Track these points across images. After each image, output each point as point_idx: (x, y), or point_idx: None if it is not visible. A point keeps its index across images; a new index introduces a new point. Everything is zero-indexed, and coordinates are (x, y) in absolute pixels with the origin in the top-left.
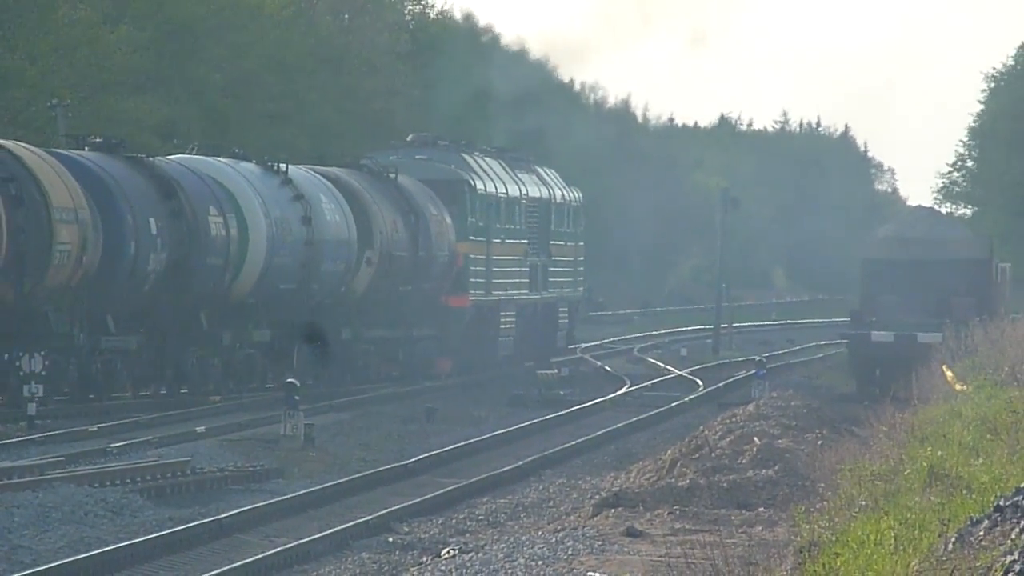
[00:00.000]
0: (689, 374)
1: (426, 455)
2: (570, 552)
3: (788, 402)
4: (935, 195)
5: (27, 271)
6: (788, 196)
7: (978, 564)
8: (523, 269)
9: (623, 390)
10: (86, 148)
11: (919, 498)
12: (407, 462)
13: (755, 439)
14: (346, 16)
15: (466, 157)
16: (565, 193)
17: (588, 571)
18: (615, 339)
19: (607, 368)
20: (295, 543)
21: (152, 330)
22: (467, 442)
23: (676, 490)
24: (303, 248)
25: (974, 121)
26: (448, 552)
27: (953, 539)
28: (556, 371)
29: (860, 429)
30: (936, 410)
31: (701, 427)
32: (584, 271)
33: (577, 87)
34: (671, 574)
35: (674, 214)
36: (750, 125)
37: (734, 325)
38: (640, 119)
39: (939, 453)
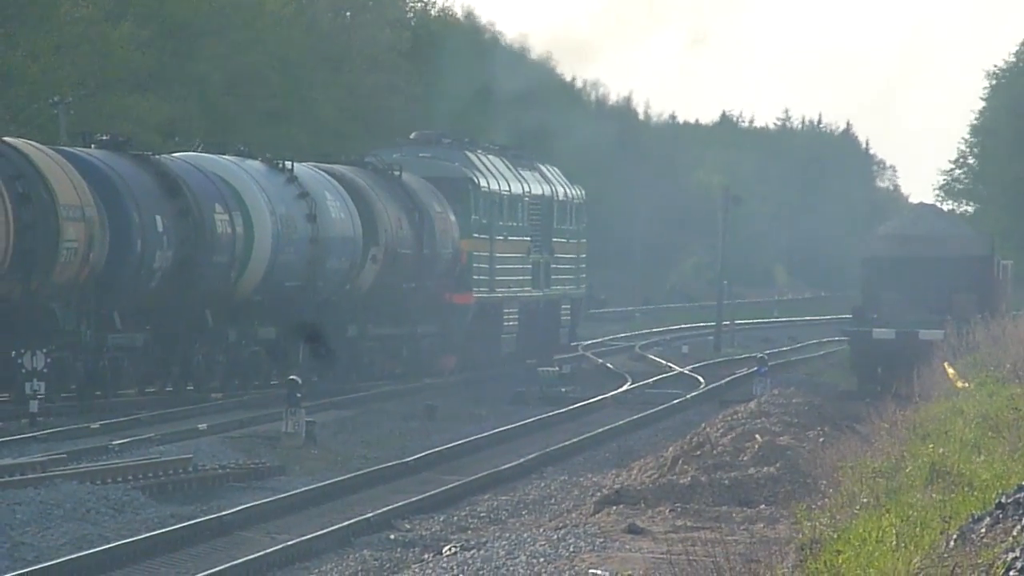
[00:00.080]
0: (690, 371)
1: (427, 452)
2: (572, 549)
3: (790, 399)
4: (937, 192)
5: (34, 268)
6: (789, 194)
7: (980, 561)
8: (526, 266)
9: (624, 387)
10: (92, 146)
11: (921, 495)
12: (409, 459)
13: (757, 436)
14: (347, 14)
15: (470, 155)
16: (567, 190)
17: (590, 568)
18: (616, 336)
19: (608, 365)
20: (297, 540)
21: (158, 327)
22: (468, 439)
23: (678, 487)
24: (308, 245)
25: (976, 118)
26: (450, 549)
27: (955, 536)
28: (557, 368)
29: (862, 426)
30: (938, 407)
31: (703, 424)
32: (586, 268)
33: (579, 84)
34: (673, 571)
35: (676, 212)
36: (751, 123)
37: (736, 322)
38: (642, 116)
39: (941, 450)
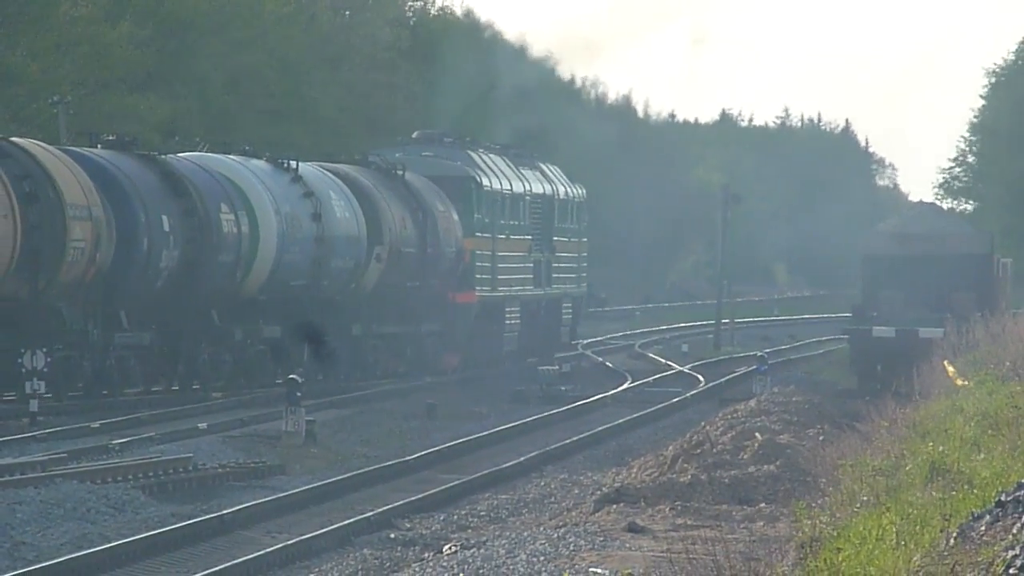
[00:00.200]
0: (690, 370)
1: (428, 451)
2: (572, 548)
3: (789, 398)
4: (936, 190)
5: (41, 268)
6: (789, 192)
7: (979, 559)
8: (527, 265)
9: (624, 386)
10: (98, 146)
11: (920, 493)
12: (409, 458)
13: (756, 435)
14: (347, 12)
15: (472, 154)
16: (568, 189)
17: (590, 567)
18: (616, 335)
19: (608, 364)
20: (297, 539)
21: (164, 326)
22: (468, 438)
23: (677, 486)
24: (313, 245)
25: (975, 116)
26: (450, 548)
27: (955, 534)
28: (557, 367)
29: (861, 424)
30: (937, 405)
31: (702, 423)
32: (587, 267)
33: (578, 83)
34: (673, 570)
35: (675, 210)
36: (751, 121)
37: (735, 321)
38: (641, 115)
39: (940, 448)
